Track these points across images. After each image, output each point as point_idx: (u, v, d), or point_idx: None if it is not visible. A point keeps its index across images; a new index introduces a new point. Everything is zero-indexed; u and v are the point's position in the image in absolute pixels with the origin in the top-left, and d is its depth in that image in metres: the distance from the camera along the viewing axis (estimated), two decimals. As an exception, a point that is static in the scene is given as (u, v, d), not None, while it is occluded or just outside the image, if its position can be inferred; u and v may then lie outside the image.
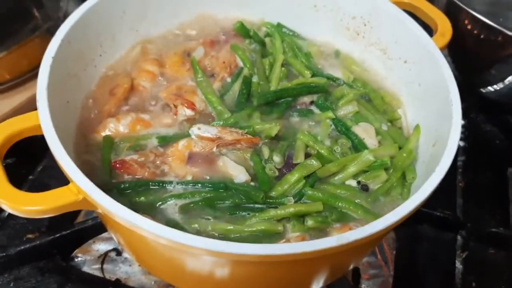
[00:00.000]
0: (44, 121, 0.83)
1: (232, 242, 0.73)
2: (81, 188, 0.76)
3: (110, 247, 1.20)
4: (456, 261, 1.22)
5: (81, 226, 1.14)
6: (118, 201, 0.75)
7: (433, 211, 1.23)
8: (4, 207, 0.80)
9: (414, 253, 1.23)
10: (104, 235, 1.19)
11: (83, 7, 1.03)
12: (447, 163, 0.86)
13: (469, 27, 1.33)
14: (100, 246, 1.20)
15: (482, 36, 1.32)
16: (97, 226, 1.14)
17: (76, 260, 1.17)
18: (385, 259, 1.24)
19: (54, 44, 0.95)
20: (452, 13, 1.27)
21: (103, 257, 1.18)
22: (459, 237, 1.26)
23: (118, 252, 1.20)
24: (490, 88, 1.45)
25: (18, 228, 1.15)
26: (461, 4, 1.30)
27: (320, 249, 0.71)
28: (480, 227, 1.27)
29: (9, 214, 1.17)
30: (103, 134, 1.03)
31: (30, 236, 1.13)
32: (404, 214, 0.78)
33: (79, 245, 1.18)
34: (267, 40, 1.28)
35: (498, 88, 1.43)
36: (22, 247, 1.09)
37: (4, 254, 1.08)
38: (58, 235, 1.11)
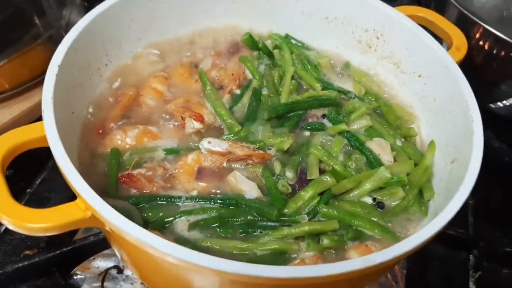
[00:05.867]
0: (50, 133, 0.79)
1: (248, 263, 0.69)
2: (90, 204, 0.72)
3: (111, 264, 1.15)
4: (470, 281, 1.18)
5: (82, 243, 1.09)
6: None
7: (446, 229, 1.19)
8: (5, 223, 0.75)
9: (426, 272, 1.19)
10: (105, 251, 1.14)
11: (91, 15, 1.00)
12: (471, 181, 0.84)
13: (480, 41, 1.31)
14: (101, 263, 1.15)
15: (493, 50, 1.31)
16: (98, 243, 1.10)
17: (75, 277, 1.12)
18: (395, 278, 1.20)
19: (60, 52, 0.91)
20: (463, 27, 1.24)
21: (104, 275, 1.13)
22: (471, 257, 1.22)
23: (119, 270, 1.15)
24: (499, 103, 1.43)
25: (15, 244, 1.10)
26: (473, 17, 1.28)
27: (345, 271, 0.67)
28: (493, 246, 1.24)
29: (6, 229, 1.12)
30: (110, 146, 0.99)
31: (28, 252, 1.09)
32: (431, 235, 0.75)
33: (79, 262, 1.13)
34: (275, 52, 1.25)
35: (508, 104, 1.41)
36: (20, 264, 1.04)
37: (1, 271, 1.03)
38: (57, 252, 1.07)
